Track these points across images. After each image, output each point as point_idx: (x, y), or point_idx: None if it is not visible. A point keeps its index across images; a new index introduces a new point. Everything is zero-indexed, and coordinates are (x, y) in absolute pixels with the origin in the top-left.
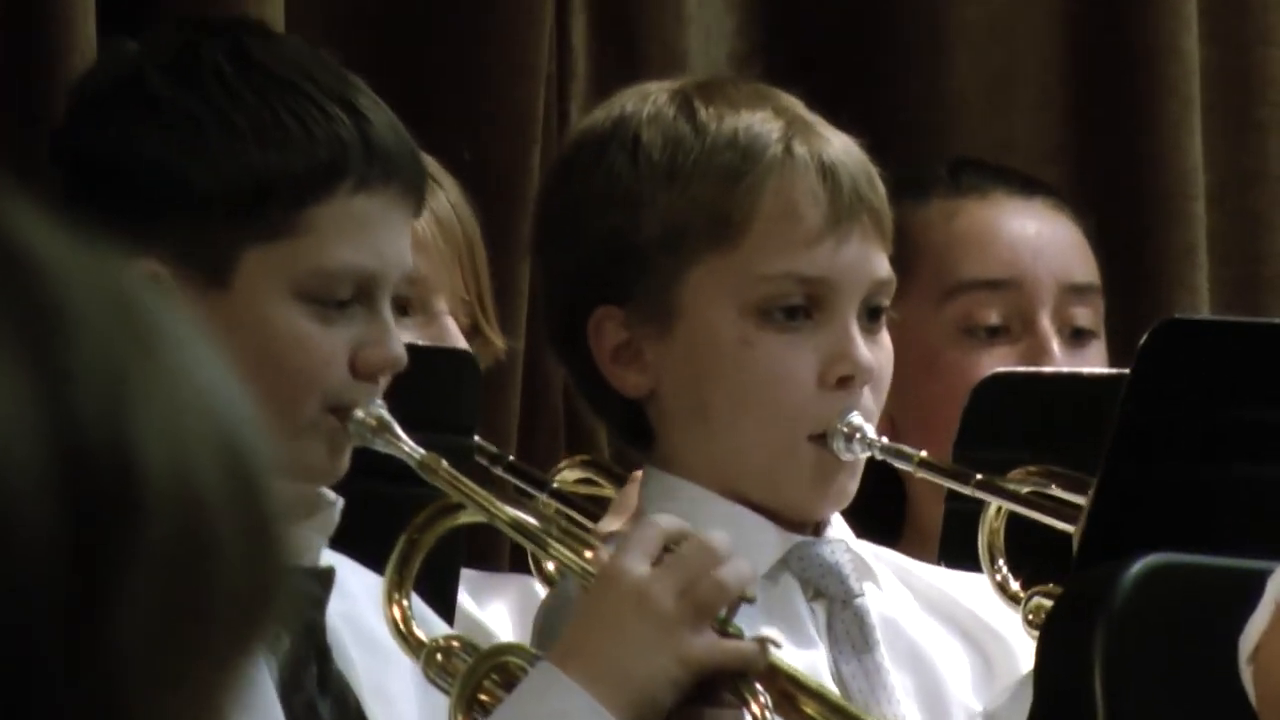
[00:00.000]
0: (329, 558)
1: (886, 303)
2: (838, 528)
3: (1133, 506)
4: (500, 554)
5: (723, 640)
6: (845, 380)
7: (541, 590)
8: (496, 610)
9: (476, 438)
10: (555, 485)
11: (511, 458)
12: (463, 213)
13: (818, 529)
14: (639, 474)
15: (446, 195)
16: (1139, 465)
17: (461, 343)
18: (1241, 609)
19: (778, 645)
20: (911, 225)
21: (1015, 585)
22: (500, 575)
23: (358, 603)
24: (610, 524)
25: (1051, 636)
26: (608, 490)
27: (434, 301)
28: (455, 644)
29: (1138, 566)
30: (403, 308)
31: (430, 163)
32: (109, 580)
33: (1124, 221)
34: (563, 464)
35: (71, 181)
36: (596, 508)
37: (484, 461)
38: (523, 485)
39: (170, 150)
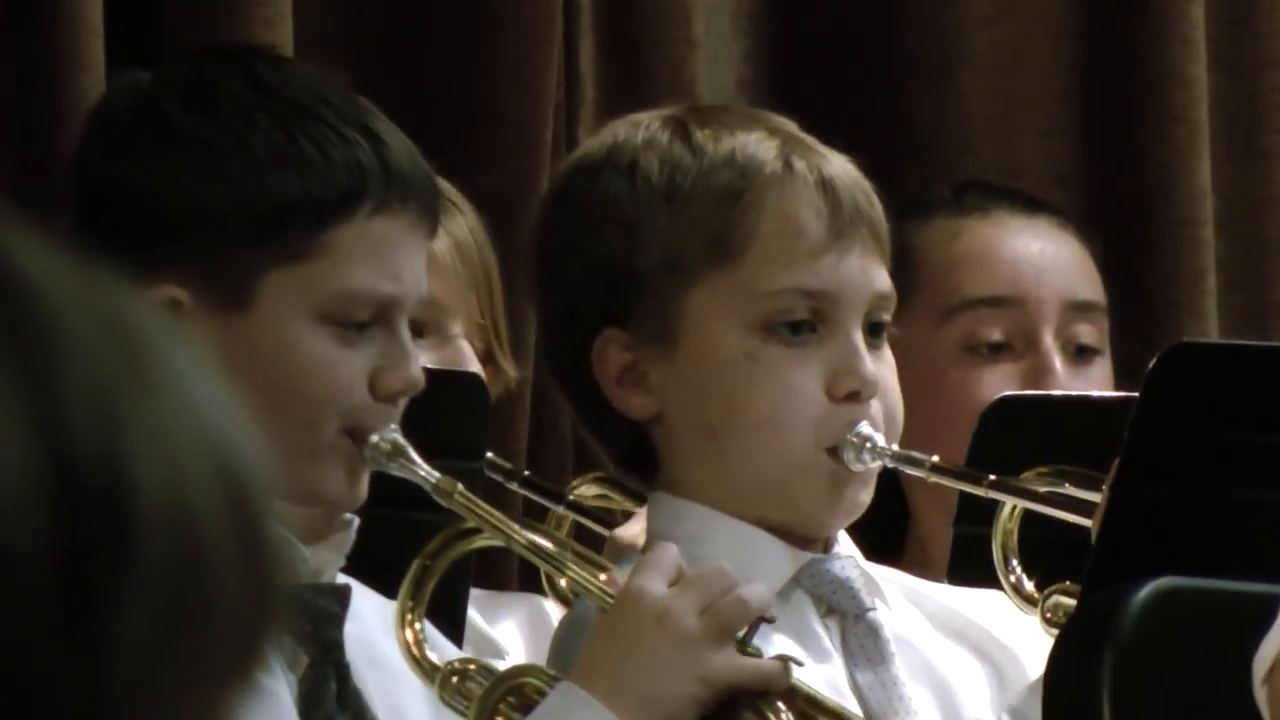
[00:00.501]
0: (340, 580)
1: (888, 317)
2: (845, 544)
3: (1141, 529)
4: (508, 574)
5: (744, 659)
6: (853, 395)
7: (551, 609)
8: (506, 629)
9: (490, 454)
10: (571, 499)
11: (527, 473)
12: (480, 238)
13: (827, 546)
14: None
15: (465, 220)
16: (1148, 488)
17: (476, 365)
18: (1250, 632)
19: (799, 664)
20: (914, 245)
21: (1029, 586)
22: (509, 594)
23: (368, 625)
24: (630, 529)
25: (1060, 659)
26: (625, 505)
27: (449, 325)
28: (471, 666)
29: (1146, 590)
30: (418, 330)
31: (448, 188)
32: (103, 598)
33: (1132, 246)
34: (577, 481)
35: (89, 210)
36: (611, 519)
37: (498, 477)
38: (539, 499)
39: (188, 176)
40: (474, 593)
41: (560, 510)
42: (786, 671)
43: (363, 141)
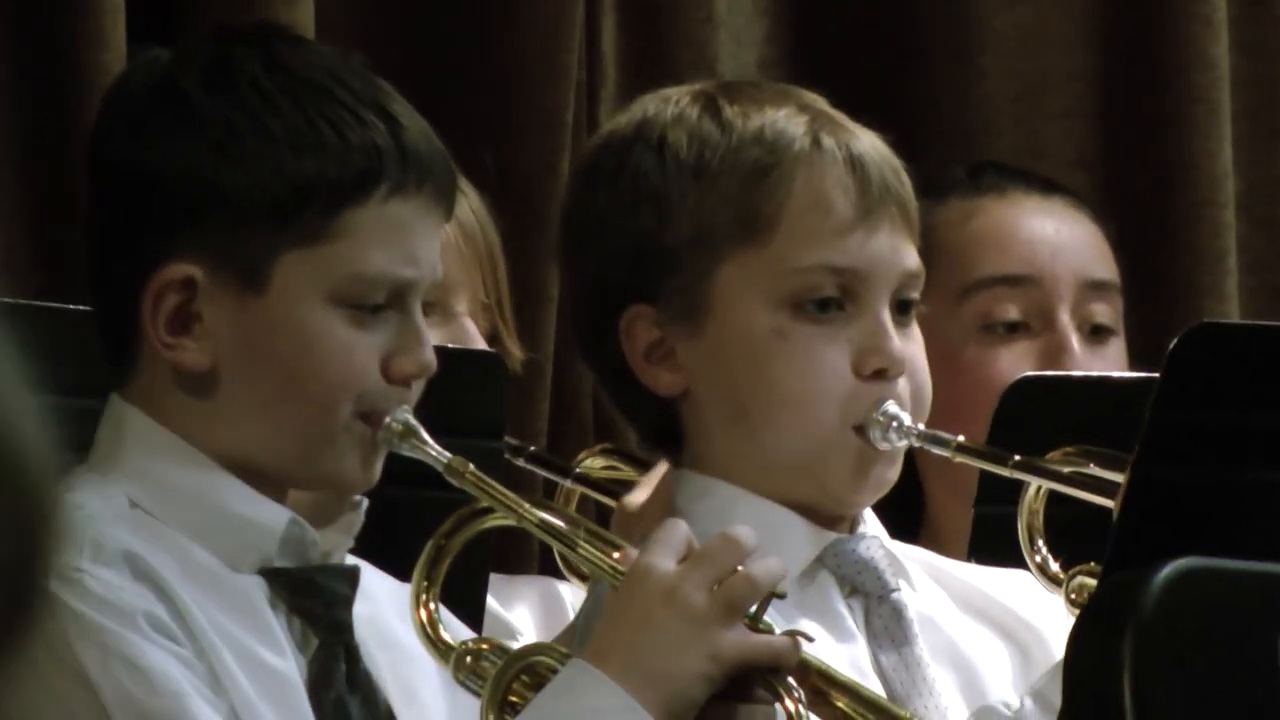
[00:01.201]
0: (351, 561)
1: (916, 295)
2: (871, 524)
3: (1162, 510)
4: (530, 556)
5: (754, 635)
6: (880, 373)
7: (565, 591)
8: (520, 614)
9: None
10: (579, 471)
11: (534, 448)
12: (483, 219)
13: (853, 525)
14: (663, 461)
15: (468, 201)
16: (1168, 469)
17: (480, 343)
18: (1270, 612)
19: (810, 639)
20: (931, 225)
21: (1055, 567)
22: (523, 578)
23: (380, 606)
24: (638, 496)
25: (1080, 641)
26: (632, 476)
27: (453, 303)
28: (484, 646)
29: (1167, 570)
30: (422, 309)
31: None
32: None
33: (1153, 228)
34: (583, 454)
35: (106, 189)
36: (620, 489)
37: (507, 454)
38: (547, 474)
39: (205, 156)
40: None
41: (568, 484)
42: (796, 647)
43: (379, 124)
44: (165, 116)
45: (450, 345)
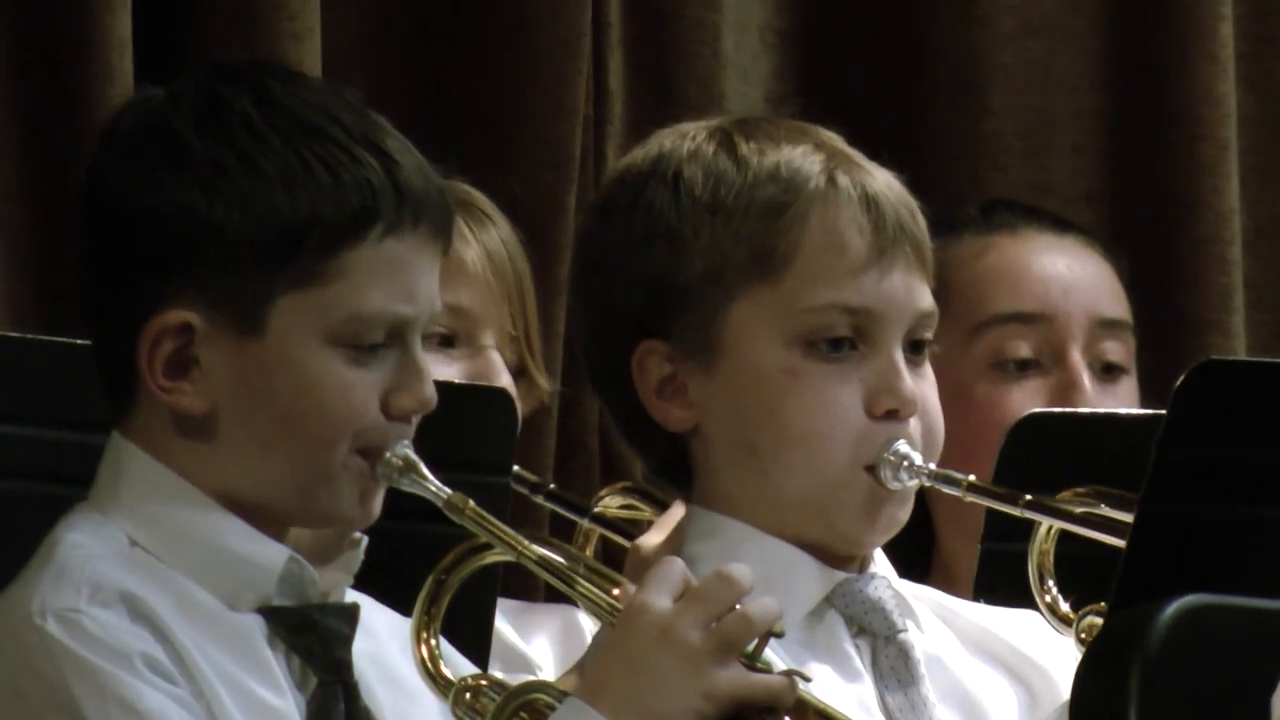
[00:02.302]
0: (353, 597)
1: (929, 335)
2: (880, 564)
3: (1169, 547)
4: (537, 585)
5: (749, 674)
6: (891, 413)
7: (585, 621)
8: (539, 645)
9: (516, 467)
10: (596, 511)
11: (552, 486)
12: (513, 249)
13: (862, 565)
14: (679, 503)
15: (498, 230)
16: (1175, 506)
17: (506, 377)
18: (1276, 649)
19: (808, 679)
20: (943, 262)
21: (1065, 606)
22: (542, 606)
23: (383, 642)
24: (652, 538)
25: (1087, 677)
26: (649, 515)
27: (480, 335)
28: (483, 683)
29: (1173, 607)
30: (449, 340)
31: (480, 198)
32: None
33: (1160, 264)
34: (603, 491)
35: (100, 228)
36: (636, 530)
37: (524, 490)
38: (564, 512)
39: (197, 197)
40: (507, 604)
41: (585, 523)
42: (793, 686)
43: (374, 162)
44: (156, 157)
45: (458, 381)
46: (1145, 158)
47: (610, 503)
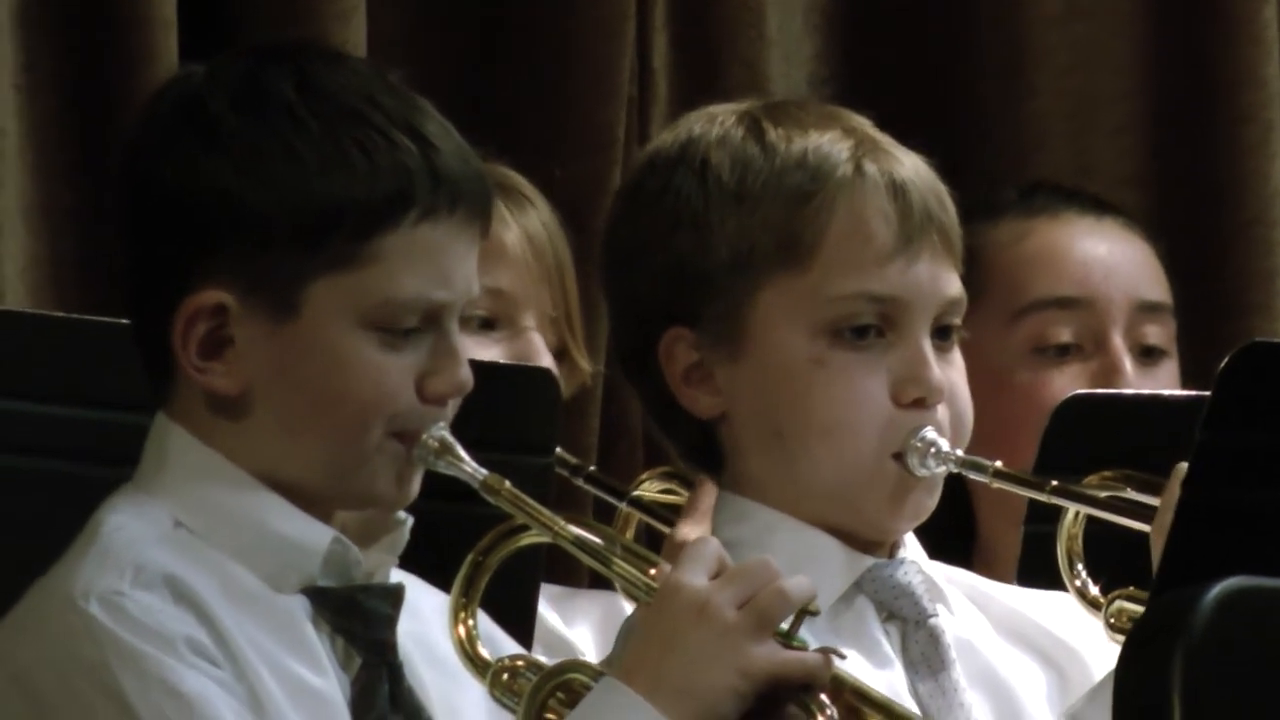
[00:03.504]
0: (398, 577)
1: (958, 321)
2: (911, 548)
3: (1212, 530)
4: (580, 568)
5: (785, 651)
6: (918, 401)
7: (626, 608)
8: (581, 630)
9: (558, 449)
10: (635, 495)
11: (592, 468)
12: (553, 231)
13: (892, 550)
14: (706, 481)
15: (538, 213)
16: (1219, 488)
17: (548, 358)
18: None
19: (843, 656)
20: (983, 246)
21: (1095, 590)
22: (585, 592)
23: (427, 623)
24: (685, 529)
25: (1130, 661)
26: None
27: (521, 317)
28: (520, 663)
29: (1216, 590)
30: (489, 323)
31: (521, 181)
32: None
33: (1203, 246)
34: (644, 475)
35: (137, 207)
36: (675, 515)
37: (565, 473)
38: (603, 495)
39: (234, 179)
40: (550, 589)
41: (624, 507)
42: (829, 664)
43: (411, 146)
44: (193, 138)
45: (501, 362)
46: (1189, 140)
47: (650, 487)
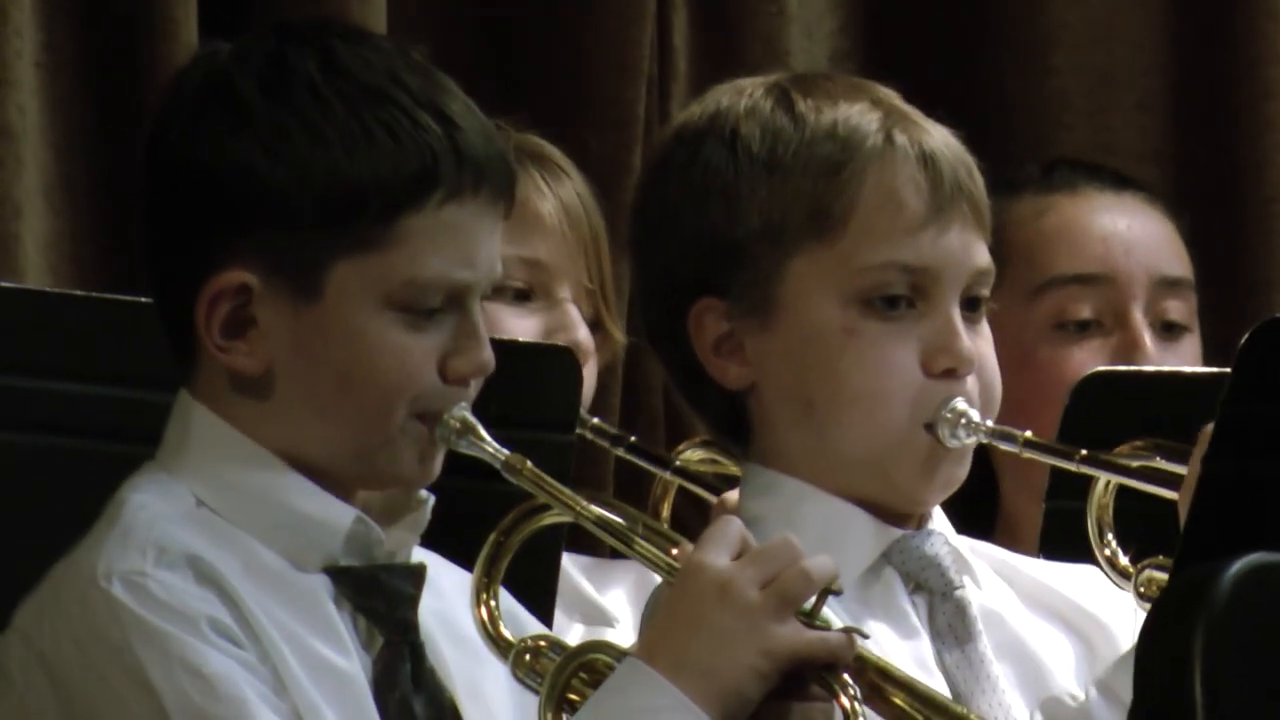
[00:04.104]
0: (420, 555)
1: (986, 292)
2: (938, 520)
3: (1233, 506)
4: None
5: (808, 631)
6: (949, 371)
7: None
8: (615, 596)
9: (596, 420)
10: (679, 464)
11: (634, 438)
12: (588, 202)
13: (920, 522)
14: None
15: (573, 184)
16: (1239, 464)
17: (584, 329)
18: None
19: (866, 635)
20: (1003, 222)
21: (1125, 560)
22: (618, 562)
23: (450, 601)
24: (734, 495)
25: (1151, 636)
26: (732, 469)
27: (557, 289)
28: (542, 644)
29: (1238, 566)
30: (525, 294)
31: (556, 153)
32: None
33: (1223, 224)
34: (684, 445)
35: (160, 185)
36: (721, 483)
37: (605, 443)
38: (646, 465)
39: (258, 159)
40: (583, 560)
41: (667, 476)
42: (852, 643)
43: (435, 126)
44: (218, 117)
45: (522, 340)
46: (1210, 117)
47: (690, 456)
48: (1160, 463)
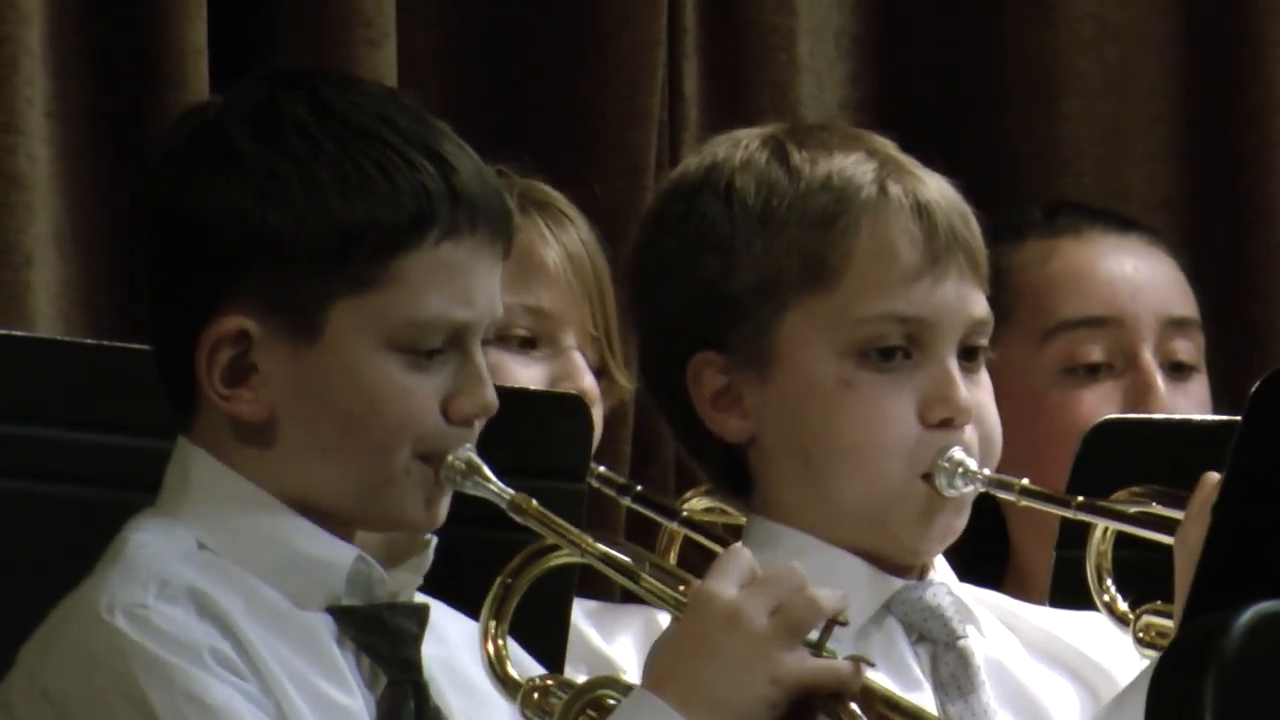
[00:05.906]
0: (423, 601)
1: (984, 342)
2: (941, 570)
3: (1244, 553)
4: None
5: (816, 659)
6: (946, 421)
7: (665, 621)
8: (622, 644)
9: (603, 469)
10: (685, 514)
11: (640, 488)
12: (593, 249)
13: (921, 572)
14: None
15: (577, 231)
16: (1251, 512)
17: (589, 377)
18: None
19: (873, 665)
20: (1008, 268)
21: (1124, 605)
22: (624, 607)
23: (454, 648)
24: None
25: (1162, 684)
26: (739, 519)
27: (562, 336)
28: (550, 683)
29: (1249, 614)
30: (530, 342)
31: (560, 199)
32: None
33: (1235, 270)
34: (689, 494)
35: (158, 235)
36: (728, 534)
37: (612, 492)
38: (652, 515)
39: (252, 204)
40: (589, 605)
41: (674, 526)
42: (859, 672)
43: (429, 166)
44: (212, 165)
45: (533, 388)
46: (1221, 165)
47: (695, 505)
48: (1157, 508)
